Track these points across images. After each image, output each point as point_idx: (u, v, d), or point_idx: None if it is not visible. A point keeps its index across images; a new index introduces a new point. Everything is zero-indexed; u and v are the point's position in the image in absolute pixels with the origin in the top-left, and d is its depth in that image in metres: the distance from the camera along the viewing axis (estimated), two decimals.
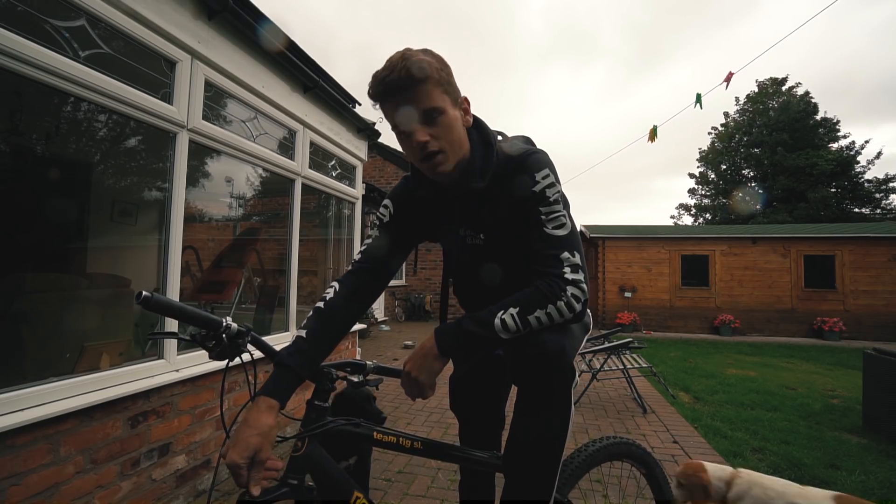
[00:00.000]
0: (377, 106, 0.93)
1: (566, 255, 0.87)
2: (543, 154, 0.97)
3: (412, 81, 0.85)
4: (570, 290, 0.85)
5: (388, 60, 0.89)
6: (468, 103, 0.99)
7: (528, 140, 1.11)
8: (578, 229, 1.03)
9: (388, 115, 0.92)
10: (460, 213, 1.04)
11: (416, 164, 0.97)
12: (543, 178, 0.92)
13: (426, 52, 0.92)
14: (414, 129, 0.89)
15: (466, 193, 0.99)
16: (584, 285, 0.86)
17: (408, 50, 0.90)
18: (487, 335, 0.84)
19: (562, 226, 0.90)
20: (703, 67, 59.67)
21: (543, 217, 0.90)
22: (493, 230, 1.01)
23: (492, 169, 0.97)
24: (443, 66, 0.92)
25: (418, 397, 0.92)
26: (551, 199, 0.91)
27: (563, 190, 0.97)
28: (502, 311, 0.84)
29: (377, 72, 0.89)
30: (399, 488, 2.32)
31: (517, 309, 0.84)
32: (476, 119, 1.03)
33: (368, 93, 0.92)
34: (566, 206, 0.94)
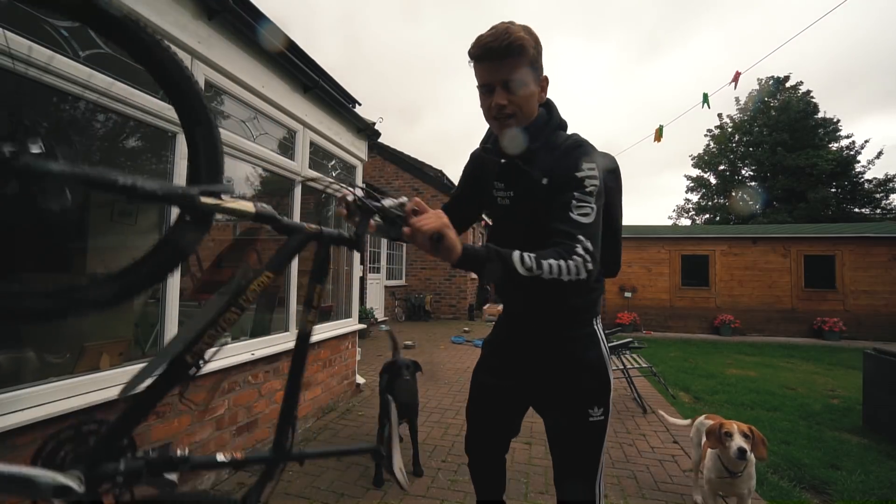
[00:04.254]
0: (471, 63, 1.06)
1: (582, 237, 0.93)
2: (602, 155, 1.07)
3: (509, 52, 0.99)
4: (582, 255, 0.91)
5: (494, 28, 1.02)
6: (547, 83, 1.13)
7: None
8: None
9: (479, 75, 1.05)
10: (505, 166, 1.15)
11: (489, 122, 1.12)
12: (590, 169, 1.00)
13: (527, 30, 1.03)
14: (497, 91, 1.03)
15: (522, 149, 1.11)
16: (593, 263, 0.92)
17: (512, 24, 1.02)
18: (506, 259, 0.87)
19: (587, 215, 0.96)
20: (715, 52, 57.85)
21: (574, 202, 0.97)
22: (524, 190, 1.11)
23: (543, 138, 1.10)
24: (536, 46, 1.04)
25: (404, 237, 0.86)
26: (588, 189, 0.98)
27: (603, 189, 1.04)
28: (521, 251, 0.89)
29: (482, 35, 1.02)
30: (399, 488, 2.32)
31: (534, 254, 0.89)
32: (549, 101, 1.16)
33: (469, 51, 1.04)
34: (599, 200, 1.00)
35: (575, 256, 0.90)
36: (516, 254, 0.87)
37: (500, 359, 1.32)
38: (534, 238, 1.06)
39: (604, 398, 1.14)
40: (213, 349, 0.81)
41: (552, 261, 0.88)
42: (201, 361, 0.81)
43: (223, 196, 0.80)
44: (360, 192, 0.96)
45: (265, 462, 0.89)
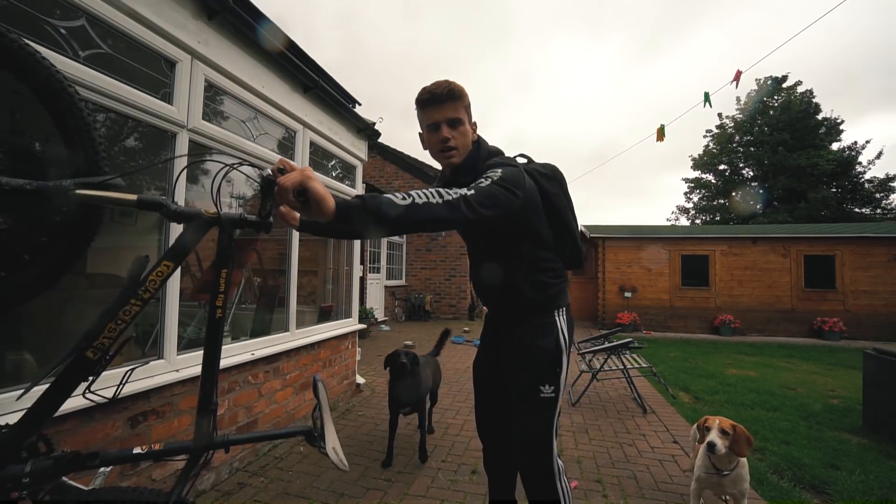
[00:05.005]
0: (419, 109, 1.32)
1: (463, 189, 1.03)
2: (512, 167, 1.22)
3: (451, 97, 1.27)
4: (454, 191, 1.00)
5: (435, 82, 1.29)
6: (476, 126, 1.39)
7: (527, 158, 1.49)
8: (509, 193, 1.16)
9: (427, 116, 1.30)
10: None
11: (435, 155, 1.35)
12: (492, 171, 1.17)
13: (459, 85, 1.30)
14: (442, 128, 1.29)
15: (456, 184, 1.29)
16: (468, 198, 1.00)
17: (448, 79, 1.30)
18: (382, 199, 0.89)
19: (480, 183, 1.09)
20: (716, 51, 56.53)
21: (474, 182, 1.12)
22: None
23: (475, 171, 1.28)
24: (468, 97, 1.32)
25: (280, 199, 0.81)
26: (486, 175, 1.14)
27: (527, 196, 1.23)
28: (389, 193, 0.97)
29: (426, 86, 1.29)
30: (399, 488, 2.32)
31: (399, 192, 0.97)
32: (479, 137, 1.41)
33: (416, 99, 1.31)
34: (500, 181, 1.10)
35: (444, 190, 0.99)
36: (389, 194, 0.93)
37: (483, 351, 1.58)
38: (490, 253, 1.41)
39: (554, 378, 1.34)
40: (119, 343, 0.79)
41: (420, 192, 0.97)
42: (106, 357, 0.78)
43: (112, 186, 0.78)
44: (250, 170, 0.89)
45: (186, 451, 0.86)
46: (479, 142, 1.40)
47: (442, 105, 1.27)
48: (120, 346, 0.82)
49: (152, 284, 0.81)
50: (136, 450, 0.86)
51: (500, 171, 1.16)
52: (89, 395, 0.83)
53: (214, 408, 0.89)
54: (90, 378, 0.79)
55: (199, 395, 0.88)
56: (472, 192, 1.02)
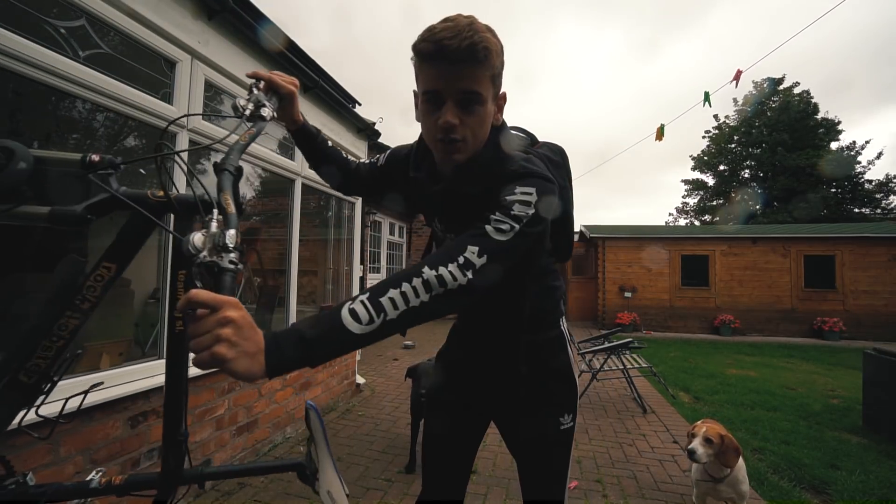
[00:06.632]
0: (417, 61, 0.80)
1: (474, 250, 0.72)
2: (544, 180, 0.83)
3: (471, 56, 0.75)
4: (451, 269, 0.69)
5: (452, 20, 0.77)
6: (504, 101, 0.90)
7: (529, 136, 1.08)
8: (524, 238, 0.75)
9: (426, 77, 0.80)
10: (445, 207, 0.98)
11: (430, 143, 0.87)
12: (524, 193, 0.78)
13: (492, 31, 0.80)
14: (447, 106, 0.79)
15: (457, 192, 0.90)
16: (468, 285, 0.70)
17: (475, 21, 0.77)
18: (336, 336, 0.62)
19: (500, 232, 0.74)
20: (717, 51, 55.88)
21: (495, 217, 0.76)
22: (461, 229, 0.83)
23: (492, 177, 0.85)
24: (501, 54, 0.81)
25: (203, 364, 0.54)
26: (514, 213, 0.76)
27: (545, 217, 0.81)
28: (351, 301, 0.65)
29: (434, 27, 0.77)
30: (399, 488, 2.32)
31: (367, 294, 0.66)
32: (504, 123, 0.94)
33: (417, 44, 0.78)
34: (526, 235, 0.77)
35: (431, 271, 0.68)
36: (344, 313, 0.63)
37: (445, 373, 1.18)
38: None
39: (573, 404, 1.08)
40: (62, 361, 0.64)
41: (393, 292, 0.65)
42: (48, 380, 0.66)
43: None
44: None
45: (152, 486, 0.73)
46: (503, 131, 0.92)
47: (455, 68, 0.76)
48: (66, 364, 0.68)
49: (91, 292, 0.67)
50: (94, 483, 0.72)
51: (532, 192, 0.78)
52: (27, 427, 0.72)
53: (183, 438, 0.75)
54: (33, 403, 0.67)
55: (164, 423, 0.74)
56: (484, 258, 0.71)
